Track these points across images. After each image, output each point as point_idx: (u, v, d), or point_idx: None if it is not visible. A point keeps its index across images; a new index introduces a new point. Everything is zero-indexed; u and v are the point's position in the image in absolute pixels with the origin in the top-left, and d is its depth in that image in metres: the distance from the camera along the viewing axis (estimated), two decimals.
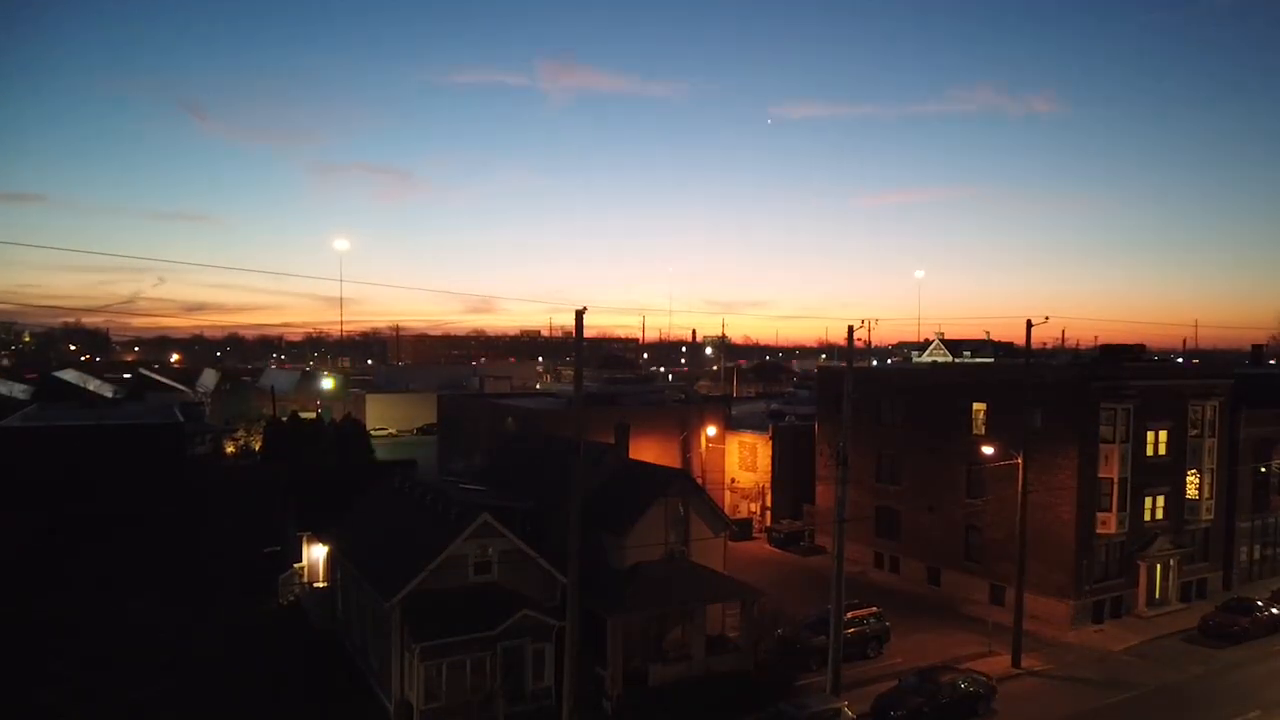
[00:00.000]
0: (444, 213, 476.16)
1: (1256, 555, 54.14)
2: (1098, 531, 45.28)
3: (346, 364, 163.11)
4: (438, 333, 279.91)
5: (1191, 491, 49.69)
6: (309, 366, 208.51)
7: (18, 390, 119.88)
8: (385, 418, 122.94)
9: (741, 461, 67.46)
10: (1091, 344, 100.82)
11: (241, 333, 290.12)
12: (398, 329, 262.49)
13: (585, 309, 27.48)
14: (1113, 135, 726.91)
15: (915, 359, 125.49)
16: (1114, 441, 45.21)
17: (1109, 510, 45.20)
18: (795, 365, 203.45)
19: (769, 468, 64.21)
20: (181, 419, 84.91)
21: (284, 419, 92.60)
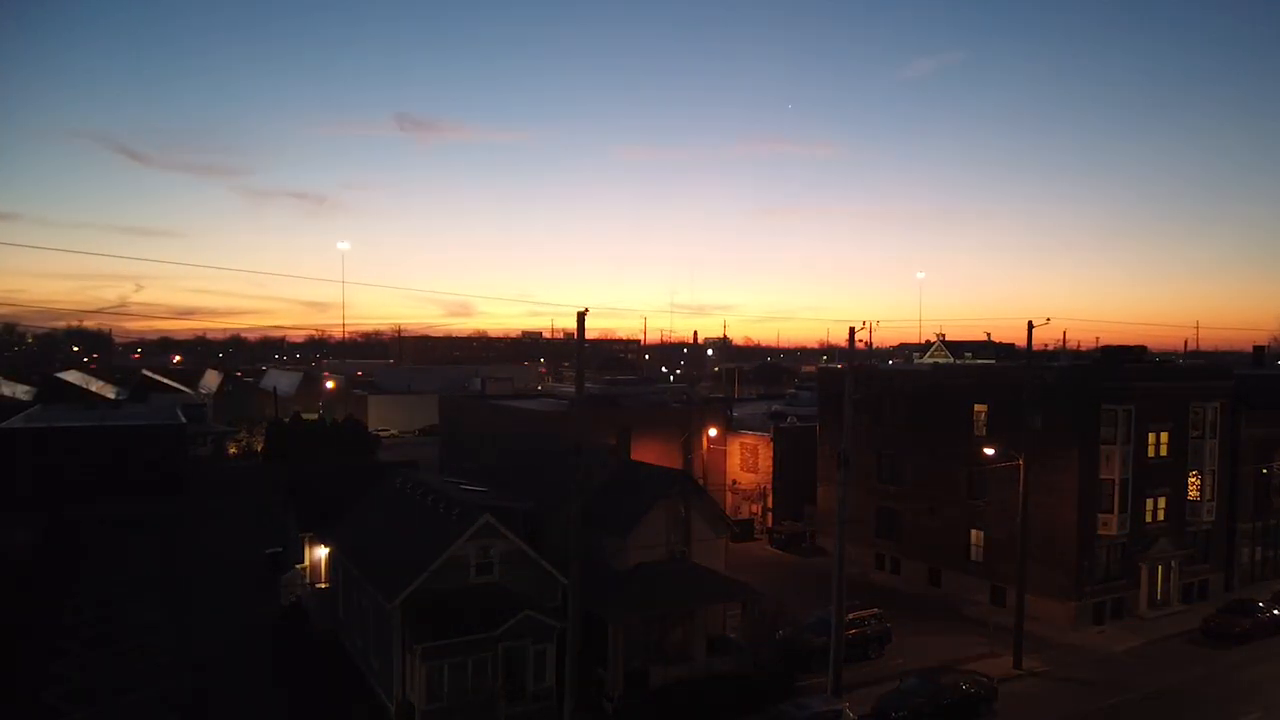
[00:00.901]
0: (359, 231, 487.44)
1: (1258, 557, 54.09)
2: (1099, 533, 45.28)
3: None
4: (439, 334, 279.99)
5: (1193, 493, 49.68)
6: (314, 364, 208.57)
7: (20, 391, 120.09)
8: (387, 419, 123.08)
9: (743, 463, 67.49)
10: (1093, 345, 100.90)
11: (243, 334, 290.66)
12: (399, 330, 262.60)
13: (587, 310, 27.55)
14: (1112, 135, 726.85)
15: (916, 360, 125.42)
16: (1115, 443, 45.21)
17: (1110, 511, 45.19)
18: (802, 369, 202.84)
19: (770, 469, 64.23)
20: (183, 420, 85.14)
21: (286, 420, 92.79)
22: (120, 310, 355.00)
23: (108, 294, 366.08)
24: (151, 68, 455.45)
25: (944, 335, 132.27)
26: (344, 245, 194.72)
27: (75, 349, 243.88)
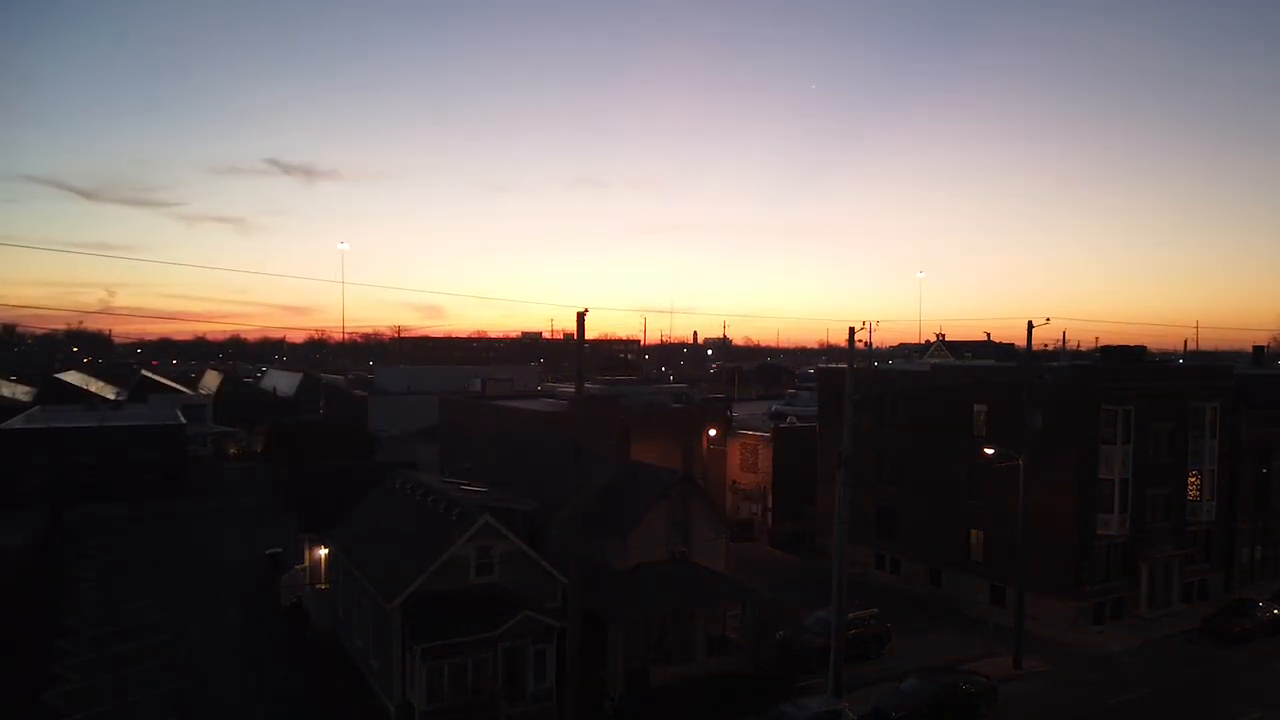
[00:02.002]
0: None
1: (1258, 556, 54.12)
2: (1099, 532, 45.29)
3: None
4: (439, 334, 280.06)
5: (1193, 493, 49.70)
6: (318, 358, 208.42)
7: (20, 392, 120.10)
8: (387, 419, 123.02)
9: (743, 463, 67.48)
10: (1093, 345, 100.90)
11: (243, 335, 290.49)
12: (399, 330, 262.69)
13: (587, 310, 27.54)
14: (1112, 134, 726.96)
15: (923, 360, 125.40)
16: (1115, 443, 45.22)
17: (1110, 511, 45.20)
18: (802, 369, 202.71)
19: (770, 469, 64.21)
20: (183, 421, 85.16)
21: (286, 421, 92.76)
22: (106, 310, 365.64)
23: (87, 298, 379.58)
24: (83, 116, 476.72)
25: (943, 335, 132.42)
26: (344, 246, 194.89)
27: (74, 349, 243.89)
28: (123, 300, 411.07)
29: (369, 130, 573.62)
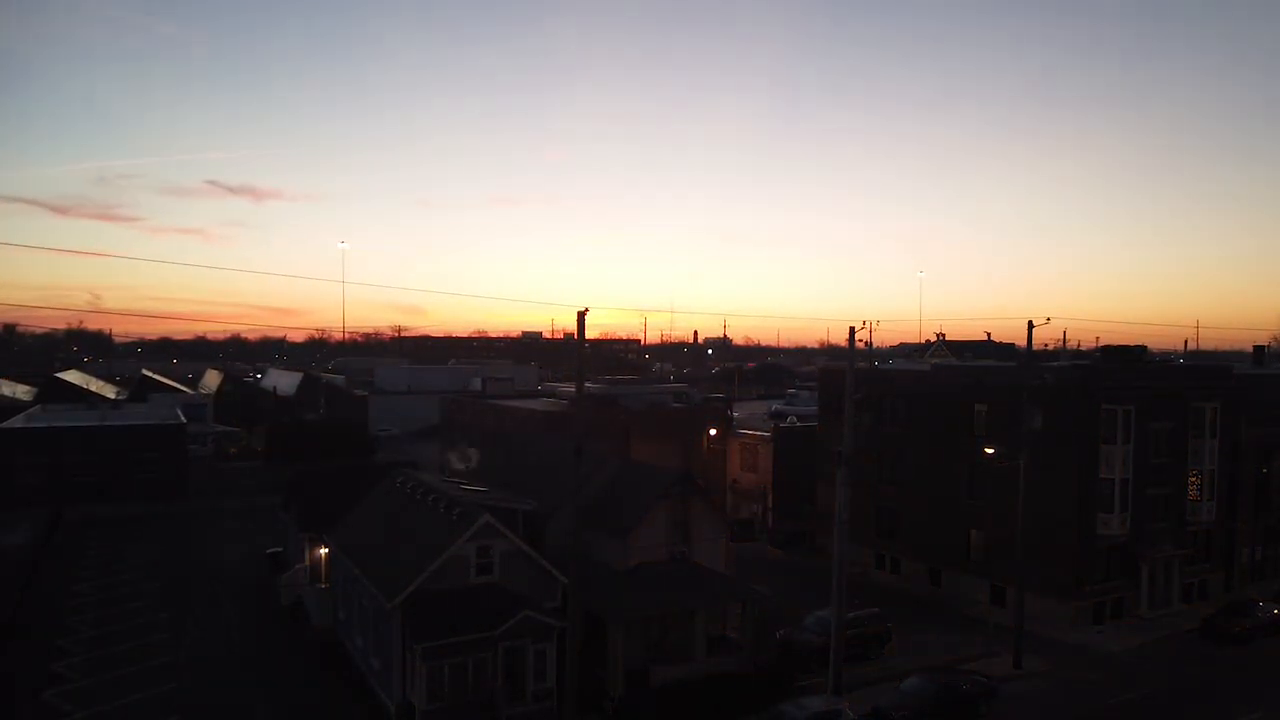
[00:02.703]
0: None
1: (1258, 556, 54.13)
2: (1099, 532, 45.30)
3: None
4: (439, 334, 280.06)
5: (1193, 493, 49.71)
6: (313, 361, 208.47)
7: (21, 391, 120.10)
8: (388, 419, 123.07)
9: (743, 462, 67.50)
10: (1093, 345, 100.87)
11: (243, 335, 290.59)
12: (399, 330, 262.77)
13: (587, 310, 27.59)
14: (1112, 134, 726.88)
15: (926, 360, 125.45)
16: (1115, 442, 45.23)
17: (1110, 511, 45.23)
18: (802, 369, 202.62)
19: (770, 469, 64.25)
20: (184, 420, 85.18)
21: (286, 420, 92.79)
22: (94, 309, 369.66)
23: (76, 301, 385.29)
24: (49, 138, 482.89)
25: (944, 335, 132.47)
26: (344, 245, 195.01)
27: (74, 349, 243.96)
28: (110, 304, 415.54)
29: (305, 152, 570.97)
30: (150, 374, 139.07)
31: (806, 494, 62.19)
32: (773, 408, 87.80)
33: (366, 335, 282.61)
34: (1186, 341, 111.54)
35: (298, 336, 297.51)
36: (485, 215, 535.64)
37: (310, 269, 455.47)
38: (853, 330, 34.07)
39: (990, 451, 45.58)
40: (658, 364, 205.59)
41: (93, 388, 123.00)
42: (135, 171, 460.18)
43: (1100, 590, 45.85)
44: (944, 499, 51.23)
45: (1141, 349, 53.13)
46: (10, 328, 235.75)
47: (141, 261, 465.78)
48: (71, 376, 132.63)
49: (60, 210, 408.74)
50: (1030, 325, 39.85)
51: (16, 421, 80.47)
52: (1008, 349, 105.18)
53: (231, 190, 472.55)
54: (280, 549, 51.76)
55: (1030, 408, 40.84)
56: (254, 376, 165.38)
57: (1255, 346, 73.00)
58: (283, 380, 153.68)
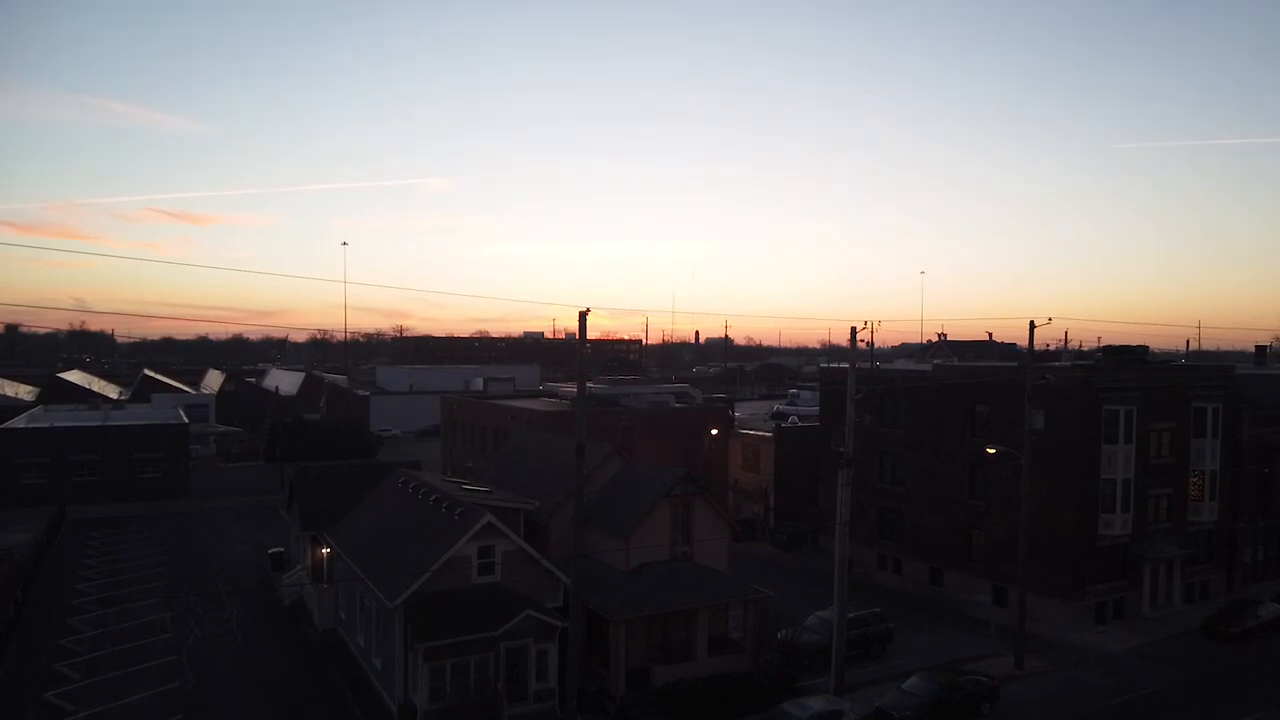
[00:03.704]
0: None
1: (1259, 556, 54.06)
2: (1101, 532, 45.28)
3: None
4: (441, 333, 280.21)
5: (1194, 493, 49.68)
6: (312, 362, 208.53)
7: (23, 391, 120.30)
8: (389, 419, 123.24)
9: (745, 463, 67.53)
10: (1095, 345, 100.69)
11: (247, 335, 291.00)
12: (401, 330, 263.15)
13: (589, 310, 27.57)
14: (1112, 134, 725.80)
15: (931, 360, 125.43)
16: (1117, 443, 45.20)
17: (1112, 511, 45.20)
18: (803, 369, 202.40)
19: (772, 469, 64.28)
20: (186, 420, 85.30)
21: (288, 420, 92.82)
22: (84, 308, 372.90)
23: (63, 301, 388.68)
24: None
25: (945, 335, 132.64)
26: (345, 244, 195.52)
27: (77, 350, 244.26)
28: (107, 305, 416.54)
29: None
30: (152, 374, 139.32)
31: (808, 494, 62.21)
32: (774, 408, 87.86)
33: (368, 335, 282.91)
34: (1188, 341, 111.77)
35: (299, 337, 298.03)
36: (486, 215, 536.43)
37: (310, 269, 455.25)
38: (854, 330, 34.09)
39: (992, 452, 45.55)
40: (661, 370, 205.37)
41: (95, 388, 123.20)
42: (80, 198, 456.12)
43: (1102, 590, 45.82)
44: (946, 499, 51.21)
45: (1143, 349, 53.10)
46: (12, 328, 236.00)
47: (143, 262, 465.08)
48: (74, 376, 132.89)
49: (30, 229, 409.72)
50: (1032, 325, 39.83)
51: (19, 421, 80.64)
52: (1010, 349, 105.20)
53: (174, 215, 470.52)
54: (282, 549, 51.82)
55: (1032, 408, 40.83)
56: (252, 378, 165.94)
57: (1257, 346, 72.99)
58: (284, 380, 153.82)
